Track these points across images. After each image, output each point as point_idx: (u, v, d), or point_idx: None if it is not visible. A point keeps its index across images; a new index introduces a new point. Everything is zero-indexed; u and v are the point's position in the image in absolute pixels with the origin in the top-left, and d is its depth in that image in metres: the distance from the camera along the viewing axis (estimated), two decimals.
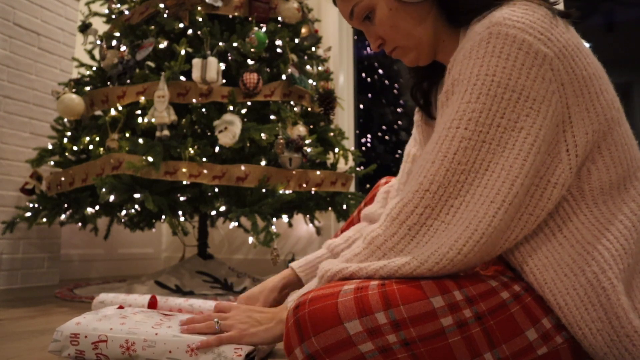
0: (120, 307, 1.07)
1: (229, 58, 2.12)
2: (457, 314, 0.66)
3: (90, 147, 2.04)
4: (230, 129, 1.93)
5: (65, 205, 2.10)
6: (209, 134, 2.06)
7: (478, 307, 0.67)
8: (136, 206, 2.03)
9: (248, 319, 0.87)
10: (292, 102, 2.22)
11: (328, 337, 0.67)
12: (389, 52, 0.84)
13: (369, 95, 4.43)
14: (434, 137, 0.70)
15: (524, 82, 0.65)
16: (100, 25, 2.50)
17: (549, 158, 0.68)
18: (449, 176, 0.67)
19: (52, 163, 2.23)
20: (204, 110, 2.05)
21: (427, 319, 0.66)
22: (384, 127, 4.45)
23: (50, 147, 2.27)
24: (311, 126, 2.30)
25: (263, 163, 2.05)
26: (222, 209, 2.01)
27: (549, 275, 0.67)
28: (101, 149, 1.99)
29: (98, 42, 2.34)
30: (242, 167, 1.97)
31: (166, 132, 1.91)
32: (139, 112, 2.04)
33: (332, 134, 2.37)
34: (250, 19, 2.20)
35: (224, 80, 2.08)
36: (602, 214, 0.69)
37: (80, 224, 2.15)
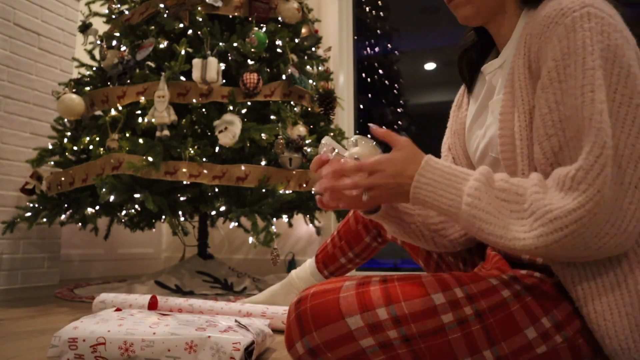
0: (118, 310, 1.07)
1: (229, 58, 2.12)
2: (457, 311, 0.67)
3: (91, 147, 2.04)
4: (230, 129, 1.93)
5: (65, 205, 2.10)
6: (209, 134, 2.06)
7: (478, 304, 0.67)
8: (136, 206, 2.04)
9: (389, 195, 0.73)
10: (292, 102, 2.22)
11: (329, 331, 0.67)
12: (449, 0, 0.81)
13: (369, 95, 4.44)
14: (574, 109, 0.65)
15: (629, 61, 0.65)
16: (100, 25, 2.50)
17: None
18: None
19: (52, 163, 2.23)
20: (204, 110, 2.05)
21: (428, 316, 0.66)
22: (384, 127, 4.45)
23: (50, 147, 2.27)
24: (311, 126, 2.30)
25: (263, 163, 2.05)
26: (222, 209, 2.02)
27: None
28: (101, 149, 2.00)
29: (98, 42, 2.34)
30: (242, 167, 1.97)
31: (166, 132, 1.91)
32: (139, 112, 2.04)
33: (332, 134, 2.37)
34: (250, 19, 2.20)
35: (224, 80, 2.08)
36: None
37: (80, 224, 2.15)
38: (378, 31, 4.47)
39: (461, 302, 0.67)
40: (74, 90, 2.16)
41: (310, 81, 2.29)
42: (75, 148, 2.11)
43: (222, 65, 2.06)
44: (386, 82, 4.52)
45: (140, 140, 1.94)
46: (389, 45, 4.59)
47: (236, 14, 2.20)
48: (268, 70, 2.23)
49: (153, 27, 2.19)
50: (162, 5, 2.14)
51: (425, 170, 0.69)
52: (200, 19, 2.12)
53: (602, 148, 0.61)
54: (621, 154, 0.63)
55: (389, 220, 0.86)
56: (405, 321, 0.66)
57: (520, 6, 0.78)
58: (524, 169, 0.71)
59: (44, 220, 2.10)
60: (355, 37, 3.39)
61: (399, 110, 4.60)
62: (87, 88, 2.22)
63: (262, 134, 1.98)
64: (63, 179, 2.05)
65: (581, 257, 0.64)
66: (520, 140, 0.71)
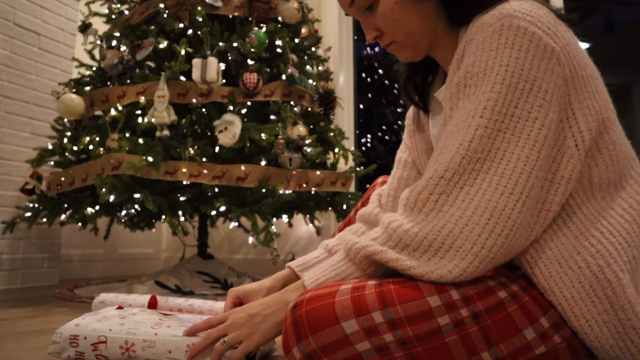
0: (120, 308, 1.07)
1: (229, 58, 2.12)
2: (453, 313, 0.66)
3: (90, 147, 2.04)
4: (230, 129, 1.93)
5: (65, 205, 2.10)
6: (209, 134, 2.06)
7: (475, 306, 0.67)
8: (136, 206, 2.04)
9: (249, 318, 0.79)
10: (292, 102, 2.22)
11: (325, 336, 0.67)
12: (384, 46, 0.83)
13: (369, 95, 4.44)
14: (450, 127, 0.70)
15: (536, 74, 0.66)
16: (100, 25, 2.50)
17: (559, 153, 0.68)
18: (464, 164, 0.67)
19: (52, 163, 2.23)
20: (204, 110, 2.05)
21: (424, 318, 0.66)
22: (384, 127, 4.46)
23: (50, 147, 2.27)
24: (311, 126, 2.30)
25: (263, 163, 2.05)
26: (222, 209, 2.02)
27: (554, 269, 0.67)
28: (101, 149, 2.00)
29: (98, 42, 2.34)
30: (242, 167, 1.97)
31: (166, 132, 1.91)
32: (139, 112, 2.04)
33: (332, 134, 2.37)
34: (250, 19, 2.20)
35: (224, 80, 2.08)
36: (603, 207, 0.69)
37: (80, 224, 2.15)
38: None
39: (457, 304, 0.67)
40: (74, 90, 2.16)
41: (310, 81, 2.29)
42: (75, 148, 2.11)
43: (222, 65, 2.06)
44: (386, 82, 4.52)
45: (140, 140, 1.94)
46: None
47: (236, 14, 2.20)
48: (268, 70, 2.23)
49: (153, 27, 2.18)
50: (162, 5, 2.14)
51: (308, 280, 0.76)
52: (200, 19, 2.12)
53: (454, 172, 0.67)
54: (513, 167, 0.65)
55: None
56: (401, 324, 0.66)
57: (454, 29, 0.80)
58: None
59: (44, 220, 2.10)
60: (355, 37, 3.39)
61: (399, 110, 4.60)
62: (87, 88, 2.22)
63: (262, 134, 1.98)
64: (63, 179, 2.05)
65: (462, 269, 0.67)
66: None
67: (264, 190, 1.99)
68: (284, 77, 2.19)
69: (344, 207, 2.29)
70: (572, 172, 0.68)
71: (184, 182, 1.95)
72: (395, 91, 4.57)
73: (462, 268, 0.65)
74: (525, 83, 0.66)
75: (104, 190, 1.83)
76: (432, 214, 0.68)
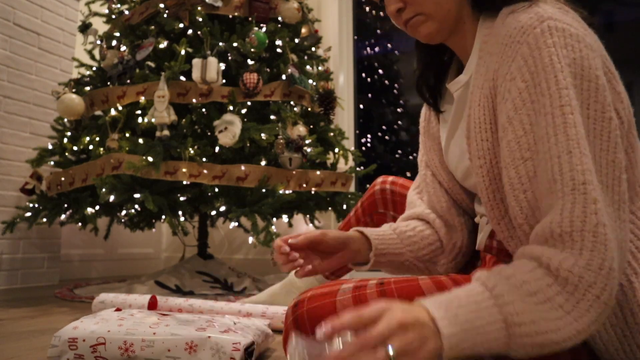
0: (118, 310, 1.07)
1: (229, 58, 2.12)
2: None
3: (90, 147, 2.04)
4: (230, 129, 1.93)
5: (65, 205, 2.10)
6: (209, 134, 2.06)
7: None
8: (136, 206, 2.04)
9: (417, 323, 0.53)
10: (292, 102, 2.22)
11: None
12: (406, 19, 0.76)
13: (369, 95, 4.43)
14: (541, 128, 0.62)
15: (596, 72, 0.64)
16: (100, 25, 2.50)
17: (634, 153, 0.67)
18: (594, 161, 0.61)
19: (52, 163, 2.23)
20: (204, 110, 2.05)
21: None
22: (384, 127, 4.45)
23: (50, 147, 2.27)
24: (311, 126, 2.30)
25: (263, 163, 2.05)
26: (222, 209, 2.02)
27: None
28: (101, 149, 2.00)
29: (98, 42, 2.34)
30: (242, 167, 1.97)
31: (166, 132, 1.91)
32: (139, 112, 2.04)
33: (332, 134, 2.37)
34: (250, 19, 2.20)
35: (224, 80, 2.08)
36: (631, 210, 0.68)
37: (80, 224, 2.15)
38: (378, 31, 4.47)
39: None
40: (74, 90, 2.16)
41: (310, 81, 2.29)
42: (75, 148, 2.11)
43: (222, 65, 2.06)
44: (386, 82, 4.52)
45: (140, 140, 1.94)
46: (389, 45, 4.58)
47: (236, 14, 2.20)
48: (268, 70, 2.23)
49: (153, 27, 2.19)
50: (162, 5, 2.14)
51: (447, 327, 0.54)
52: (200, 19, 2.12)
53: (584, 185, 0.57)
54: (605, 173, 0.61)
55: (381, 265, 0.88)
56: None
57: (476, 14, 0.76)
58: (495, 193, 0.70)
59: (44, 220, 2.10)
60: (355, 37, 3.39)
61: (399, 110, 4.60)
62: (87, 88, 2.22)
63: (262, 134, 1.98)
64: (63, 179, 2.05)
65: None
66: (488, 164, 0.70)
67: (264, 190, 1.99)
68: (284, 77, 2.19)
69: (344, 207, 2.29)
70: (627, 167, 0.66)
71: (184, 182, 1.95)
72: (395, 91, 4.57)
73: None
74: (590, 82, 0.63)
75: (104, 190, 1.83)
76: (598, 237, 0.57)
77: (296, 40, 2.35)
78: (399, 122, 4.56)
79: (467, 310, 0.55)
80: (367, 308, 0.55)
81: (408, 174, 4.24)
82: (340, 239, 0.83)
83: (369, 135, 4.35)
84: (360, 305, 0.67)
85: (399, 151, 4.47)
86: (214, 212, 2.18)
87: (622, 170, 0.62)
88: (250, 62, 2.13)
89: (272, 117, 2.15)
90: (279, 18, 2.30)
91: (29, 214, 2.15)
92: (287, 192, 2.03)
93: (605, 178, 0.61)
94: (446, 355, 0.54)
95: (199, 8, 2.12)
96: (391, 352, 0.50)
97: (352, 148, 2.98)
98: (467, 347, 0.55)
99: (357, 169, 2.42)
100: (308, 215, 2.35)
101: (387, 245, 0.89)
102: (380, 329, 0.51)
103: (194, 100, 2.02)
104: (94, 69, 2.30)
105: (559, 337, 0.54)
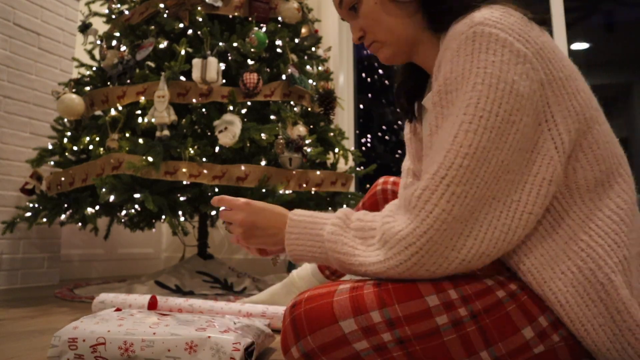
0: (118, 310, 1.07)
1: (229, 58, 2.12)
2: (452, 312, 0.67)
3: (90, 147, 2.04)
4: (230, 129, 1.93)
5: (65, 205, 2.10)
6: (209, 134, 2.06)
7: (473, 305, 0.67)
8: (136, 206, 2.04)
9: (247, 232, 0.85)
10: (292, 102, 2.22)
11: (323, 335, 0.68)
12: (367, 45, 0.86)
13: (369, 95, 4.43)
14: (440, 132, 0.70)
15: (513, 77, 0.66)
16: (100, 25, 2.50)
17: (539, 155, 0.68)
18: (457, 163, 0.66)
19: (52, 163, 2.23)
20: (204, 110, 2.05)
21: (422, 318, 0.67)
22: (384, 127, 4.45)
23: (50, 147, 2.27)
24: (311, 126, 2.30)
25: (263, 163, 2.05)
26: (222, 208, 2.01)
27: (547, 275, 0.67)
28: (101, 149, 2.00)
29: (98, 42, 2.34)
30: (242, 167, 1.97)
31: (166, 132, 1.91)
32: (139, 112, 2.04)
33: (332, 134, 2.37)
34: (250, 19, 2.20)
35: (224, 80, 2.08)
36: (591, 210, 0.69)
37: (80, 224, 2.15)
38: None
39: (456, 303, 0.67)
40: (74, 90, 2.16)
41: (310, 81, 2.29)
42: (75, 148, 2.11)
43: (222, 65, 2.06)
44: (386, 82, 4.52)
45: (140, 140, 1.94)
46: None
47: (236, 14, 2.20)
48: (268, 70, 2.23)
49: (153, 27, 2.19)
50: (162, 5, 2.14)
51: (290, 226, 0.78)
52: (200, 19, 2.12)
53: (448, 169, 0.65)
54: (489, 170, 0.65)
55: None
56: (399, 323, 0.67)
57: (432, 34, 0.81)
58: None
59: (44, 220, 2.10)
60: None
61: (398, 110, 4.59)
62: (87, 88, 2.22)
63: (262, 134, 1.98)
64: (63, 179, 2.05)
65: (443, 270, 0.67)
66: None
67: (264, 190, 1.99)
68: (284, 77, 2.19)
69: (344, 207, 2.28)
70: (553, 174, 0.67)
71: (184, 182, 1.95)
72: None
73: (432, 271, 0.68)
74: (505, 84, 0.66)
75: (104, 190, 1.83)
76: (422, 214, 0.67)
77: (296, 40, 2.35)
78: (399, 122, 4.56)
79: (310, 221, 0.78)
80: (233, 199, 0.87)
81: None
82: None
83: (369, 135, 4.35)
84: (358, 306, 0.68)
85: (399, 151, 4.48)
86: (214, 212, 2.18)
87: (508, 171, 0.66)
88: (250, 62, 2.13)
89: (272, 117, 2.15)
90: (279, 18, 2.30)
91: (29, 214, 2.15)
92: (287, 192, 2.03)
93: (486, 174, 0.65)
94: (286, 247, 0.78)
95: (199, 8, 2.12)
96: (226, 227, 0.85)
97: (352, 148, 2.98)
98: (299, 246, 0.77)
99: (357, 169, 2.42)
100: None
101: None
102: (224, 214, 0.88)
103: (194, 100, 2.02)
104: (94, 69, 2.30)
105: (349, 260, 0.71)
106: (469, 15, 0.70)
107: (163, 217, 2.20)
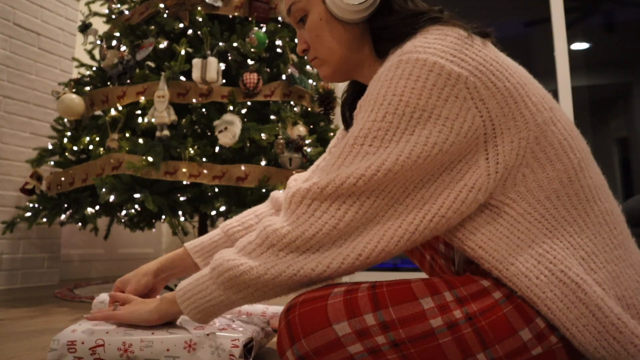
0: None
1: (229, 58, 2.12)
2: (447, 314, 0.67)
3: (90, 147, 2.04)
4: (230, 129, 1.93)
5: (65, 205, 2.10)
6: (209, 134, 2.06)
7: (469, 307, 0.67)
8: (136, 206, 2.04)
9: (137, 303, 0.92)
10: (292, 102, 2.22)
11: (317, 339, 0.68)
12: (310, 60, 0.86)
13: None
14: (336, 151, 0.71)
15: (435, 102, 0.66)
16: (100, 25, 2.50)
17: (466, 165, 0.68)
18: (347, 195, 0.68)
19: (52, 163, 2.23)
20: (204, 110, 2.05)
21: (416, 320, 0.66)
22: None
23: (50, 147, 2.27)
24: (311, 126, 2.30)
25: (263, 163, 2.05)
26: (222, 209, 2.02)
27: (523, 282, 0.67)
28: (101, 149, 2.00)
29: (98, 42, 2.34)
30: (242, 167, 1.97)
31: (166, 132, 1.91)
32: (139, 112, 2.04)
33: (332, 134, 2.37)
34: (250, 19, 2.20)
35: (224, 80, 2.08)
36: (547, 210, 0.69)
37: (80, 224, 2.15)
38: None
39: (450, 305, 0.67)
40: (74, 90, 2.16)
41: (310, 81, 2.29)
42: (75, 148, 2.11)
43: (222, 65, 2.06)
44: None
45: (140, 140, 1.94)
46: None
47: (236, 14, 2.20)
48: (268, 70, 2.23)
49: (153, 27, 2.19)
50: (162, 5, 2.14)
51: (179, 289, 0.79)
52: (200, 19, 2.12)
53: (340, 184, 0.67)
54: (393, 186, 0.67)
55: None
56: (393, 326, 0.66)
57: (376, 59, 0.82)
58: None
59: (44, 220, 2.10)
60: None
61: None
62: (87, 88, 2.22)
63: (262, 134, 1.98)
64: (63, 179, 2.05)
65: (338, 264, 0.68)
66: None
67: (264, 190, 1.99)
68: (284, 77, 2.19)
69: None
70: (476, 182, 0.67)
71: (184, 182, 1.95)
72: None
73: (325, 264, 0.68)
74: (423, 112, 0.66)
75: (104, 190, 1.83)
76: (304, 217, 0.69)
77: (296, 40, 2.35)
78: None
79: (194, 277, 0.78)
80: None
81: None
82: (143, 286, 1.03)
83: None
84: (352, 309, 0.68)
85: None
86: (214, 212, 2.18)
87: (421, 187, 0.68)
88: (250, 62, 2.13)
89: (272, 117, 2.15)
90: (279, 18, 2.30)
91: (29, 214, 2.15)
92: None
93: (392, 188, 0.67)
94: (182, 308, 0.78)
95: (199, 8, 2.12)
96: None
97: None
98: (192, 300, 0.77)
99: None
100: None
101: (213, 249, 1.04)
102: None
103: (194, 100, 2.02)
104: (94, 69, 2.30)
105: (238, 270, 0.70)
106: (403, 45, 0.71)
107: (163, 217, 2.20)
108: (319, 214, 0.68)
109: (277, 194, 1.08)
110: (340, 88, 3.14)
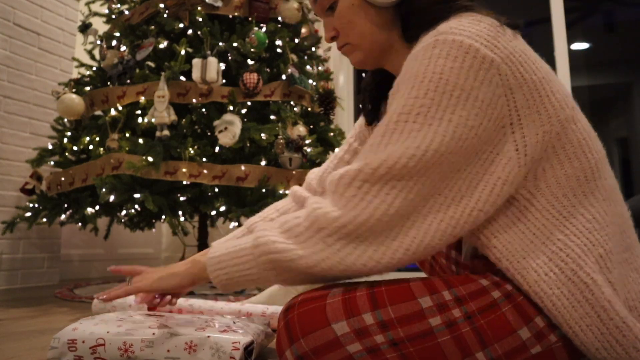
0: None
1: (229, 58, 2.12)
2: (445, 313, 0.67)
3: (90, 147, 2.04)
4: (230, 129, 1.93)
5: (65, 205, 2.10)
6: (209, 134, 2.06)
7: (468, 306, 0.67)
8: (136, 206, 2.04)
9: (158, 270, 0.87)
10: (292, 102, 2.22)
11: (316, 338, 0.68)
12: (339, 47, 0.85)
13: None
14: (380, 130, 0.69)
15: (472, 84, 0.66)
16: (100, 25, 2.50)
17: (497, 156, 0.68)
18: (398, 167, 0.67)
19: (52, 163, 2.23)
20: (204, 110, 2.05)
21: (415, 319, 0.67)
22: None
23: (50, 147, 2.27)
24: (311, 126, 2.30)
25: (263, 163, 2.05)
26: (222, 209, 2.02)
27: (532, 277, 0.67)
28: (101, 149, 2.00)
29: (98, 42, 2.34)
30: (242, 167, 1.97)
31: (166, 132, 1.91)
32: (139, 112, 2.04)
33: (332, 134, 2.37)
34: (250, 19, 2.20)
35: (224, 80, 2.08)
36: (565, 207, 0.69)
37: (80, 224, 2.15)
38: None
39: (449, 304, 0.67)
40: (74, 90, 2.16)
41: (310, 81, 2.29)
42: (75, 148, 2.11)
43: (222, 65, 2.06)
44: None
45: (140, 140, 1.94)
46: None
47: (236, 14, 2.20)
48: (268, 70, 2.23)
49: (153, 27, 2.19)
50: (162, 5, 2.14)
51: (211, 254, 0.75)
52: (200, 19, 2.12)
53: (390, 168, 0.66)
54: (439, 171, 0.66)
55: None
56: (392, 325, 0.67)
57: (406, 44, 0.81)
58: None
59: (44, 220, 2.10)
60: None
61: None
62: (87, 88, 2.22)
63: (262, 134, 1.98)
64: (63, 179, 2.05)
65: (389, 259, 0.66)
66: None
67: (264, 190, 1.99)
68: (284, 77, 2.19)
69: None
70: (509, 175, 0.67)
71: (184, 182, 1.95)
72: None
73: (376, 259, 0.66)
74: (462, 91, 0.66)
75: (104, 190, 1.83)
76: (355, 201, 0.66)
77: (296, 40, 2.35)
78: None
79: (229, 244, 0.75)
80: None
81: None
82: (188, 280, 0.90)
83: None
84: (350, 308, 0.68)
85: None
86: (214, 212, 2.18)
87: (459, 171, 0.67)
88: (250, 62, 2.13)
89: (272, 117, 2.15)
90: (279, 18, 2.30)
91: (29, 214, 2.15)
92: (287, 192, 2.03)
93: (433, 174, 0.66)
94: (211, 276, 0.75)
95: (199, 8, 2.12)
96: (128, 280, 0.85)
97: None
98: (226, 269, 0.73)
99: None
100: None
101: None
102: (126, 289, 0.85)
103: (194, 100, 2.02)
104: (94, 69, 2.30)
105: (286, 257, 0.67)
106: (437, 27, 0.71)
107: (163, 217, 2.20)
108: (370, 197, 0.66)
109: (298, 189, 1.06)
110: (340, 88, 3.14)
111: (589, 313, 0.64)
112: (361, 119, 1.01)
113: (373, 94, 0.93)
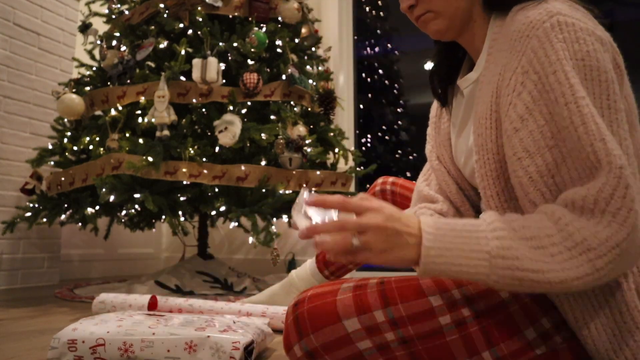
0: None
1: (229, 58, 2.12)
2: (455, 312, 0.67)
3: (90, 147, 2.04)
4: (230, 129, 1.93)
5: (65, 205, 2.10)
6: (209, 134, 2.06)
7: (477, 306, 0.67)
8: (136, 206, 2.04)
9: (389, 230, 0.61)
10: (292, 102, 2.22)
11: (326, 334, 0.67)
12: (417, 15, 0.79)
13: (369, 95, 4.44)
14: (579, 120, 0.62)
15: (607, 65, 0.64)
16: (100, 25, 2.50)
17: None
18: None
19: (52, 163, 2.23)
20: (204, 110, 2.05)
21: (425, 318, 0.66)
22: (384, 127, 4.46)
23: (50, 147, 2.27)
24: (311, 126, 2.30)
25: (263, 163, 2.05)
26: (222, 209, 2.02)
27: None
28: (101, 149, 2.00)
29: (98, 42, 2.34)
30: (242, 167, 1.97)
31: (166, 132, 1.91)
32: (139, 112, 2.04)
33: (332, 134, 2.37)
34: (250, 19, 2.20)
35: (224, 80, 2.08)
36: None
37: (80, 224, 2.15)
38: (378, 31, 4.47)
39: (459, 303, 0.67)
40: (74, 90, 2.16)
41: (310, 81, 2.29)
42: (75, 148, 2.11)
43: (222, 65, 2.06)
44: (386, 82, 4.53)
45: (140, 140, 1.94)
46: (389, 45, 4.59)
47: (236, 14, 2.20)
48: (268, 70, 2.23)
49: (153, 27, 2.19)
50: (162, 5, 2.14)
51: (429, 241, 0.61)
52: (200, 19, 2.12)
53: (617, 169, 0.58)
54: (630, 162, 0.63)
55: None
56: (403, 323, 0.66)
57: (487, 14, 0.78)
58: (501, 187, 0.70)
59: (44, 220, 2.10)
60: (355, 37, 3.39)
61: (399, 110, 4.60)
62: (87, 88, 2.22)
63: (262, 134, 1.98)
64: (63, 179, 2.05)
65: (630, 266, 0.62)
66: (493, 159, 0.70)
67: (264, 190, 1.99)
68: (284, 77, 2.19)
69: None
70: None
71: (184, 182, 1.95)
72: (395, 91, 4.57)
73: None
74: (600, 76, 0.64)
75: (104, 190, 1.83)
76: (621, 215, 0.58)
77: (296, 40, 2.35)
78: (399, 122, 4.56)
79: (457, 235, 0.61)
80: (357, 200, 0.63)
81: (408, 174, 4.24)
82: None
83: (369, 136, 4.35)
84: (361, 305, 0.67)
85: (399, 151, 4.47)
86: (214, 212, 2.18)
87: (633, 159, 0.63)
88: (250, 62, 2.13)
89: (272, 117, 2.15)
90: (279, 18, 2.30)
91: (29, 214, 2.15)
92: (287, 192, 2.03)
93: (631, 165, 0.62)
94: (422, 265, 0.61)
95: (199, 8, 2.12)
96: (355, 242, 0.60)
97: (352, 148, 2.98)
98: (443, 264, 0.61)
99: (357, 169, 2.42)
100: None
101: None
102: (357, 222, 0.61)
103: (194, 100, 2.02)
104: (94, 69, 2.30)
105: (540, 278, 0.58)
106: (540, 5, 0.68)
107: (163, 217, 2.20)
108: (629, 204, 0.57)
109: (424, 187, 0.94)
110: (340, 88, 3.14)
111: (606, 314, 0.64)
112: (434, 105, 0.96)
113: (444, 76, 0.89)
